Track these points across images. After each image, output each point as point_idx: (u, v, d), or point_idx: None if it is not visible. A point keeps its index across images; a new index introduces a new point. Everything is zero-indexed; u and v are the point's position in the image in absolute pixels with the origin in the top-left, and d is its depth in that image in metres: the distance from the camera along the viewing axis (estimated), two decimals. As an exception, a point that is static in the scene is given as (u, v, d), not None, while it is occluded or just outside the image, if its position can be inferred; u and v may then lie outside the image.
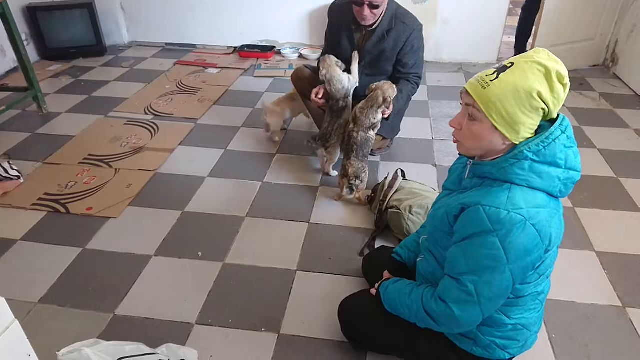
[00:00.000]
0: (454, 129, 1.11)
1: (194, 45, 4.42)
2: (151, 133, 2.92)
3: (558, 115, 1.04)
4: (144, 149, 2.74)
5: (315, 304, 1.71)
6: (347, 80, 2.26)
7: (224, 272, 1.86)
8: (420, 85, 2.41)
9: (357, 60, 2.32)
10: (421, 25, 2.28)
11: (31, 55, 4.00)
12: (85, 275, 1.86)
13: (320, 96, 2.28)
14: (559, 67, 0.98)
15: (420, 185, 2.09)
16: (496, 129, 1.01)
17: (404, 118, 2.64)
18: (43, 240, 2.03)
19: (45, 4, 3.96)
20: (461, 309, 1.08)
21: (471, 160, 1.14)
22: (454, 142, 1.14)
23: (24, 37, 3.92)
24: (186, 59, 4.15)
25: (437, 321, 1.15)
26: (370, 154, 2.59)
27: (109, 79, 3.73)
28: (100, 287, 1.80)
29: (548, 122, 1.05)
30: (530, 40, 3.85)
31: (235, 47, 4.31)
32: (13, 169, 2.38)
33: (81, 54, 4.16)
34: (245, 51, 4.19)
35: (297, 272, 1.85)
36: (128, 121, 3.06)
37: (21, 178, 2.41)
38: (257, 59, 4.14)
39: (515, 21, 4.12)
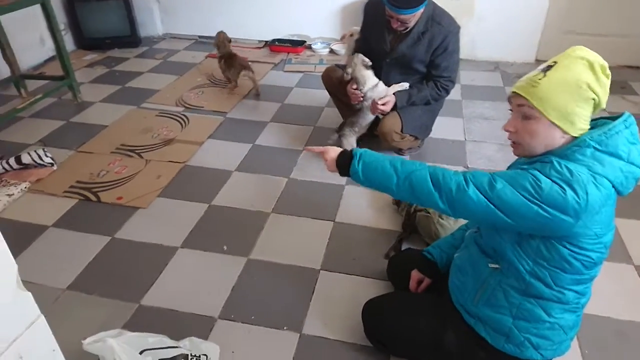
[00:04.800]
0: (508, 133, 1.13)
1: (225, 38, 4.43)
2: (181, 125, 2.95)
3: (623, 113, 1.07)
4: (174, 141, 2.76)
5: (338, 305, 1.68)
6: (370, 84, 2.24)
7: (248, 268, 1.85)
8: (452, 89, 2.35)
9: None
10: (458, 27, 2.21)
11: (68, 45, 4.12)
12: (113, 264, 1.89)
13: (355, 87, 2.28)
14: (600, 59, 1.03)
15: (451, 188, 2.03)
16: (552, 123, 1.04)
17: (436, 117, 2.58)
18: (73, 228, 2.07)
19: (86, -6, 4.04)
20: (474, 192, 1.06)
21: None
22: (511, 146, 1.16)
23: (62, 26, 4.02)
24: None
25: (440, 188, 1.10)
26: (400, 154, 2.56)
27: (142, 70, 3.79)
28: (127, 276, 1.82)
29: (610, 119, 1.07)
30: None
31: (267, 41, 4.31)
32: (47, 156, 2.44)
33: (116, 44, 4.24)
34: (276, 45, 4.18)
35: (321, 271, 1.83)
36: (160, 113, 3.10)
37: (55, 165, 2.47)
38: (288, 53, 4.12)
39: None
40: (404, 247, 1.93)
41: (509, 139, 1.14)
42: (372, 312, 1.46)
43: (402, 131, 2.32)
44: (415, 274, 1.52)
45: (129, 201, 2.24)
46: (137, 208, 2.20)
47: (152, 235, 2.03)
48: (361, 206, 2.20)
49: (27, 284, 1.78)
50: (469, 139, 2.77)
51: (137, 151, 2.66)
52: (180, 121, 3.00)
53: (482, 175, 1.08)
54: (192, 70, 3.80)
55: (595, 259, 1.10)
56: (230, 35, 4.37)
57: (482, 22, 3.78)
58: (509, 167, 1.32)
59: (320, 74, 2.68)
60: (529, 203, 1.01)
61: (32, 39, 3.60)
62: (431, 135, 2.63)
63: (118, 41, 4.23)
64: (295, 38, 4.25)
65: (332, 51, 4.10)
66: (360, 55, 2.28)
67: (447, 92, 2.33)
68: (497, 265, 1.20)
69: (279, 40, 4.23)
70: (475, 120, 2.98)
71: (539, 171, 1.03)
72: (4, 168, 2.37)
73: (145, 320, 1.63)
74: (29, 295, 0.65)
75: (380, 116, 2.36)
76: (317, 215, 2.13)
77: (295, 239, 2.00)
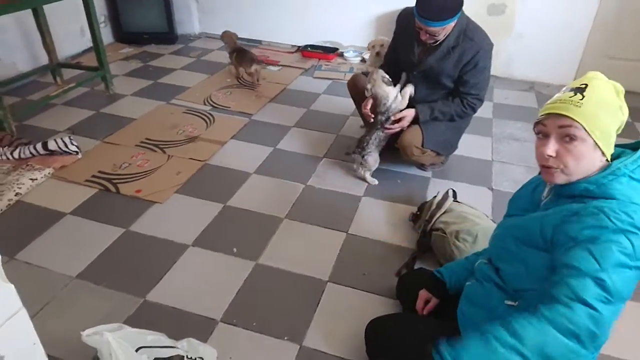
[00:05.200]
0: (546, 159, 1.05)
1: (259, 41, 4.47)
2: (207, 123, 2.97)
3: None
4: (197, 139, 2.78)
5: (342, 319, 1.63)
6: (391, 98, 2.21)
7: (255, 272, 1.83)
8: (479, 107, 2.26)
9: (409, 87, 2.25)
10: (491, 44, 2.13)
11: (107, 37, 4.24)
12: (124, 256, 1.90)
13: (368, 107, 2.26)
14: (621, 86, 1.06)
15: (472, 209, 1.95)
16: (596, 144, 1.01)
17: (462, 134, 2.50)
18: (90, 217, 2.10)
19: (125, -11, 4.15)
20: (605, 308, 0.93)
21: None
22: (545, 173, 1.08)
23: (102, 19, 4.15)
24: (250, 54, 4.19)
25: (579, 336, 0.93)
26: (422, 169, 2.49)
27: (175, 67, 3.85)
28: (136, 270, 1.83)
29: (631, 148, 1.07)
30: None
31: (299, 46, 4.31)
32: (73, 144, 2.49)
33: (153, 40, 4.33)
34: (308, 51, 4.18)
35: (328, 283, 1.79)
36: (187, 110, 3.13)
37: (79, 154, 2.51)
38: (319, 59, 4.11)
39: None
40: (416, 266, 1.86)
41: (546, 165, 1.06)
42: (376, 330, 1.41)
43: (423, 146, 2.26)
44: (423, 293, 1.46)
45: (147, 195, 2.26)
46: (153, 202, 2.21)
47: (165, 231, 2.03)
48: (377, 219, 2.15)
49: (39, 269, 1.82)
50: (496, 159, 2.68)
51: (160, 146, 2.69)
52: (206, 120, 3.02)
53: (586, 283, 0.93)
54: (223, 71, 3.83)
55: (630, 294, 1.02)
56: (263, 38, 4.44)
57: (520, 40, 3.67)
58: (511, 202, 1.30)
59: (348, 81, 2.66)
60: (631, 272, 0.95)
61: (73, 29, 3.71)
62: (456, 152, 2.55)
63: (155, 37, 4.32)
64: (328, 45, 4.23)
65: (363, 60, 4.07)
66: (380, 71, 2.25)
67: (474, 110, 2.25)
68: (514, 303, 1.13)
69: (312, 46, 4.23)
70: (505, 141, 2.88)
71: (605, 228, 0.95)
72: (30, 153, 2.44)
73: (148, 316, 1.63)
74: (11, 287, 0.63)
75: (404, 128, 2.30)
76: (331, 225, 2.09)
77: (306, 248, 1.97)
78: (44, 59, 3.36)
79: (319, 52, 4.15)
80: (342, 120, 3.05)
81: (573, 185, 1.05)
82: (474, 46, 2.07)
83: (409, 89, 2.23)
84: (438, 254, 1.86)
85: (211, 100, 3.28)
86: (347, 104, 3.02)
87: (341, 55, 4.16)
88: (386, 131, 2.27)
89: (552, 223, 1.04)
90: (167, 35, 4.34)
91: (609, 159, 1.03)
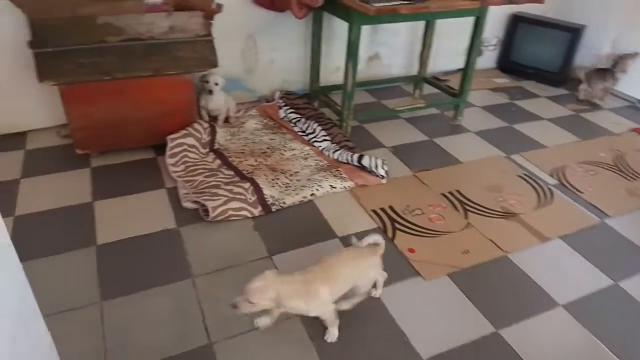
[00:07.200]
0: None
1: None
2: (539, 202, 2.26)
3: None
4: (515, 218, 2.14)
5: None
6: None
7: None
8: None
9: None
10: None
11: (489, 61, 3.93)
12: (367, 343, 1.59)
13: None
14: None
15: None
16: None
17: None
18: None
19: (534, 17, 3.64)
20: None
21: None
22: None
23: (494, 41, 3.83)
24: (655, 129, 3.03)
25: None
26: None
27: (542, 116, 3.17)
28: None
29: None
30: None
31: None
32: (383, 169, 2.33)
33: (536, 76, 3.73)
34: None
35: None
36: (524, 174, 2.49)
37: (385, 179, 2.33)
38: None
39: None
40: None
41: None
42: None
43: None
44: None
45: (417, 261, 1.86)
46: (417, 274, 1.80)
47: (410, 324, 1.59)
48: None
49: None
50: None
51: (466, 207, 2.20)
52: (541, 196, 2.31)
53: None
54: (602, 139, 2.89)
55: None
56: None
57: None
58: None
59: None
60: None
61: (455, 47, 3.52)
62: None
63: (539, 74, 3.71)
64: None
65: None
66: None
67: None
68: None
69: None
70: None
71: None
72: (346, 159, 2.42)
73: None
74: None
75: None
76: None
77: None
78: (415, 69, 3.34)
79: None
80: None
81: None
82: None
83: None
84: None
85: (562, 174, 2.50)
86: None
87: None
88: None
89: None
90: (554, 75, 3.64)
91: None
